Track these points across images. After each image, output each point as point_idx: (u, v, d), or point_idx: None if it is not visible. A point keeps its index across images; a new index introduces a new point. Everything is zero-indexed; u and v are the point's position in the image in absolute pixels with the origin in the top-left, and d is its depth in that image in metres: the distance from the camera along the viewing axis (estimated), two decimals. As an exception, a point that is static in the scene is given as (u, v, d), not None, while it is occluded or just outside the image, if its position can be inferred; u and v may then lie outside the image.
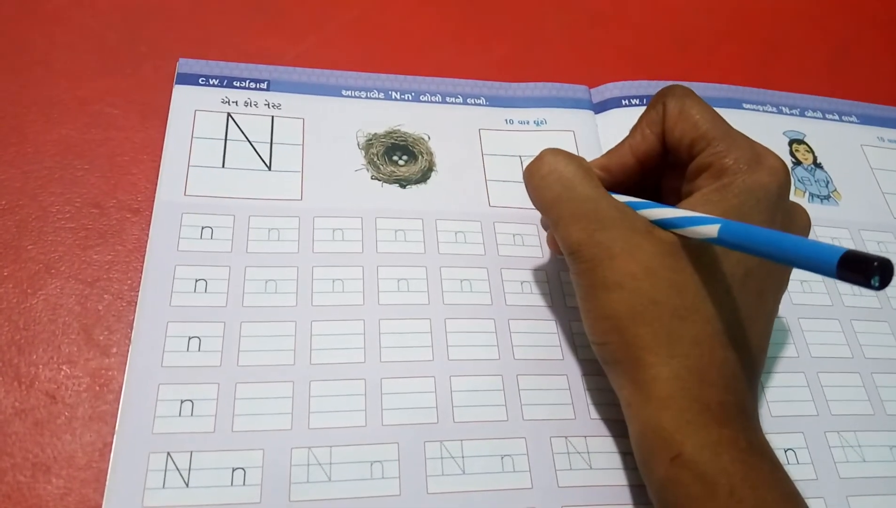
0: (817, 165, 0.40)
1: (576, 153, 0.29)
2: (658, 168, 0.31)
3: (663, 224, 0.27)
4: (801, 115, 0.42)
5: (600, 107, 0.40)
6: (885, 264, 0.19)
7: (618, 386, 0.27)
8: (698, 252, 0.26)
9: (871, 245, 0.37)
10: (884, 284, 0.19)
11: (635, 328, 0.26)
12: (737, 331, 0.26)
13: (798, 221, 0.29)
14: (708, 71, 0.44)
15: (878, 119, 0.43)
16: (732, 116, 0.29)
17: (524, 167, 0.30)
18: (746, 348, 0.26)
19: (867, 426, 0.31)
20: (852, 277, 0.20)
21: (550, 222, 0.29)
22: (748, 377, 0.26)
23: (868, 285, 0.19)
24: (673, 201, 0.28)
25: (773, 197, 0.27)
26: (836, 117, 0.42)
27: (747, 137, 0.28)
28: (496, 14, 0.44)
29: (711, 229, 0.24)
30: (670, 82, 0.40)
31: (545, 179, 0.28)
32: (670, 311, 0.25)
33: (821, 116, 0.42)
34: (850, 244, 0.37)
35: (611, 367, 0.28)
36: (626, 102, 0.40)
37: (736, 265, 0.26)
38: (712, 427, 0.24)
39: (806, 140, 0.41)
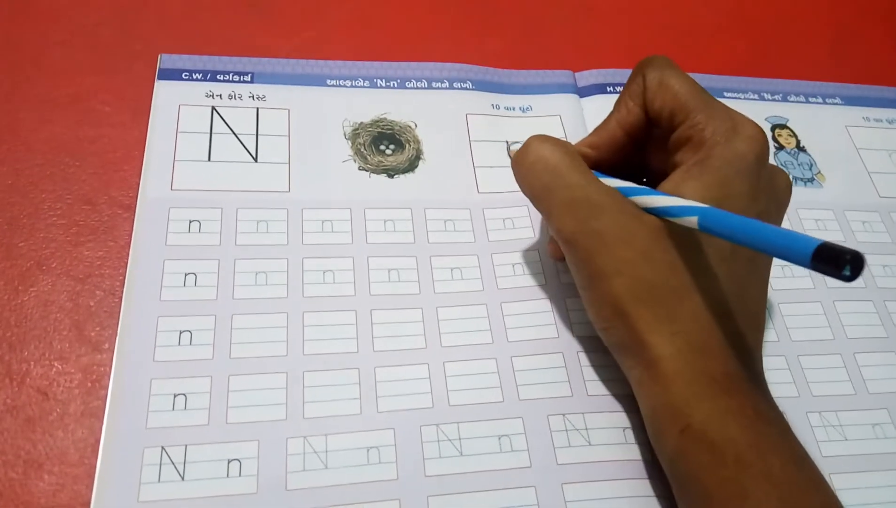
0: (800, 149, 0.40)
1: (563, 137, 0.29)
2: (643, 142, 0.31)
3: (649, 211, 0.27)
4: (784, 100, 0.42)
5: (585, 91, 0.40)
6: (856, 256, 0.20)
7: (627, 367, 0.28)
8: (687, 231, 0.26)
9: (857, 225, 0.37)
10: (854, 275, 0.20)
11: (637, 311, 0.26)
12: (733, 301, 0.27)
13: (779, 184, 0.29)
14: (700, 61, 0.43)
15: (863, 99, 0.43)
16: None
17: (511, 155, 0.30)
18: (745, 315, 0.27)
19: (849, 405, 0.32)
20: (825, 268, 0.20)
21: (542, 212, 0.29)
22: (750, 344, 0.27)
23: (840, 277, 0.20)
24: (659, 175, 0.28)
25: (751, 166, 0.27)
26: (820, 100, 0.43)
27: (726, 107, 0.28)
28: (490, 4, 0.44)
29: (691, 221, 0.25)
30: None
31: (532, 168, 0.28)
32: (668, 291, 0.26)
33: (804, 99, 0.42)
34: (834, 226, 0.37)
35: (618, 350, 0.28)
36: (611, 88, 0.40)
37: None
38: (719, 398, 0.25)
39: (789, 124, 0.41)
